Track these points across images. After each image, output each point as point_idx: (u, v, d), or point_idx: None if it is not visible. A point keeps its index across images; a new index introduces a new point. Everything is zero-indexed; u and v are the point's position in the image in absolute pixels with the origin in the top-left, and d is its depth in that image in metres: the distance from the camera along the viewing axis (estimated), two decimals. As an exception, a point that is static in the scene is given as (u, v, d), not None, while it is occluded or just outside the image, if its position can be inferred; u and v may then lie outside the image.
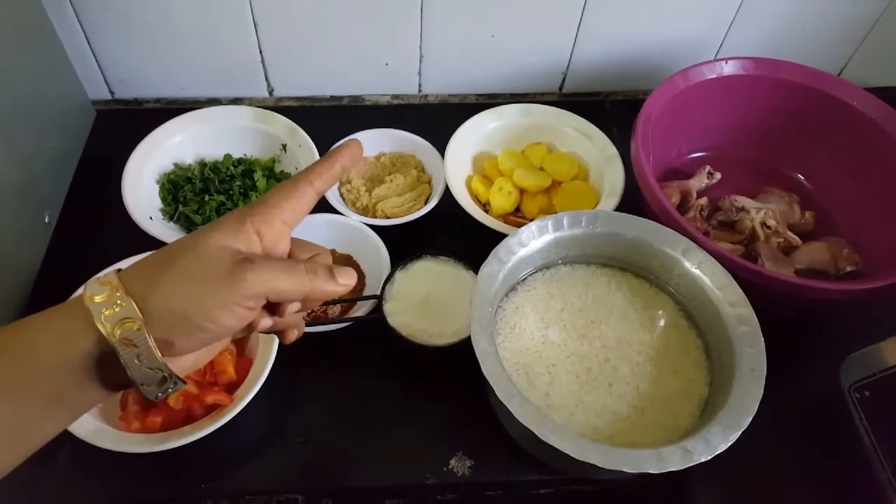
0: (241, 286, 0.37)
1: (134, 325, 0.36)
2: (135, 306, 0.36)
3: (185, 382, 0.40)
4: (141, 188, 0.79)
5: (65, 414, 0.39)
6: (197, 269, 0.38)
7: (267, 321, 0.43)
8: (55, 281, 0.76)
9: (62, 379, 0.37)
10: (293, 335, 0.46)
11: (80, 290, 0.41)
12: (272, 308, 0.42)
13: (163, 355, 0.37)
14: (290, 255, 0.44)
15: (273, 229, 0.41)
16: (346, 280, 0.42)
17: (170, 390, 0.39)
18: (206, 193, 0.81)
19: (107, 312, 0.36)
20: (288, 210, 0.41)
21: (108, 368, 0.37)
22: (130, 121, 0.95)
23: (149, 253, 0.41)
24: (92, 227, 0.83)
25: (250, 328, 0.42)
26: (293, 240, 0.44)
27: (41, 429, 0.38)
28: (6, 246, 0.72)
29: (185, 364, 0.40)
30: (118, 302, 0.36)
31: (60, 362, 0.36)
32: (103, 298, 0.36)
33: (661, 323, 0.66)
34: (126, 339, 0.36)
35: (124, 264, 0.66)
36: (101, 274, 0.38)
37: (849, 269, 0.78)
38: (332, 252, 0.79)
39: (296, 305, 0.43)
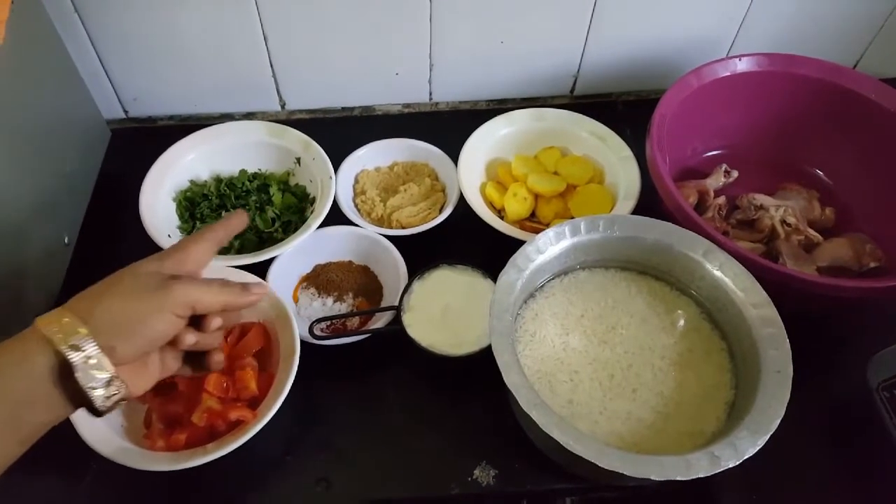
0: (171, 295, 0.47)
1: (80, 333, 0.44)
2: (79, 318, 0.44)
3: (126, 387, 0.46)
4: (158, 206, 0.79)
5: (23, 436, 0.45)
6: (135, 285, 0.48)
7: (191, 336, 0.50)
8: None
9: (22, 398, 0.43)
10: (219, 357, 0.54)
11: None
12: (197, 325, 0.51)
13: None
14: None
15: (187, 265, 0.51)
16: (257, 289, 0.53)
17: (114, 396, 0.45)
18: (222, 209, 0.81)
19: (55, 328, 0.44)
20: (197, 251, 0.52)
21: (62, 378, 0.44)
22: (145, 139, 0.96)
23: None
24: (111, 247, 0.83)
25: (177, 343, 0.50)
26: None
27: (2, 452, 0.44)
28: (27, 268, 0.73)
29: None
30: (65, 319, 0.44)
31: (18, 382, 0.43)
32: (52, 319, 0.45)
33: (684, 326, 0.65)
34: (74, 345, 0.43)
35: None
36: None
37: (872, 265, 0.77)
38: (349, 263, 0.80)
39: (217, 321, 0.52)
